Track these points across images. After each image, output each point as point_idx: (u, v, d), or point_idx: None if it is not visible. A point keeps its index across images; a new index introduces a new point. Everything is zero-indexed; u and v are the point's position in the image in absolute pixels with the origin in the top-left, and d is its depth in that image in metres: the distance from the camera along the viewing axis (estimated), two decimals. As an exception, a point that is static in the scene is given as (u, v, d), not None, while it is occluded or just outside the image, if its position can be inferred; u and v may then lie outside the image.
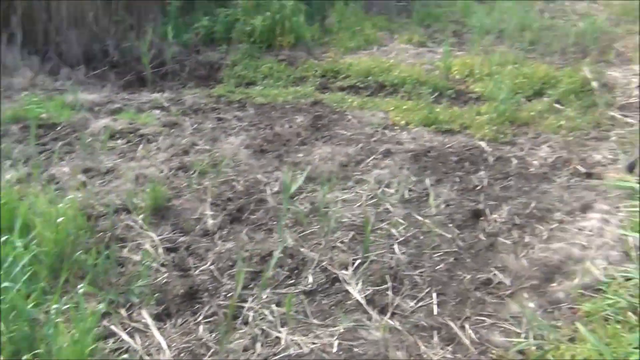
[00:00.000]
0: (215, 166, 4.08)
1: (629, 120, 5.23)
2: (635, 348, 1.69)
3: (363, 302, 2.74)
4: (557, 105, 5.48)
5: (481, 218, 3.53)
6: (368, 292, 2.81)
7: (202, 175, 3.99)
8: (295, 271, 2.99)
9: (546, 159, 4.33)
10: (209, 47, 7.04)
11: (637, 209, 3.36)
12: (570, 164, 4.22)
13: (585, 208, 3.61)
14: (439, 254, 3.14)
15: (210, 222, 3.42)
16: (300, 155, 4.35)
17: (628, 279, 2.78)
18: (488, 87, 5.83)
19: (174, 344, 2.47)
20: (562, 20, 8.61)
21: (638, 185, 3.71)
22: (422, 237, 3.28)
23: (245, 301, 2.75)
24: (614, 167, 4.15)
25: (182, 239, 3.27)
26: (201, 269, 3.00)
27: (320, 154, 4.33)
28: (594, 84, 5.89)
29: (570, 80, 5.88)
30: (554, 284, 2.87)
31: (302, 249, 3.15)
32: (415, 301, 2.76)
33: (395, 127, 4.91)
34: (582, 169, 4.13)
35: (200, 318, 2.64)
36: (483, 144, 4.56)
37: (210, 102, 5.54)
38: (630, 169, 3.93)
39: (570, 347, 2.28)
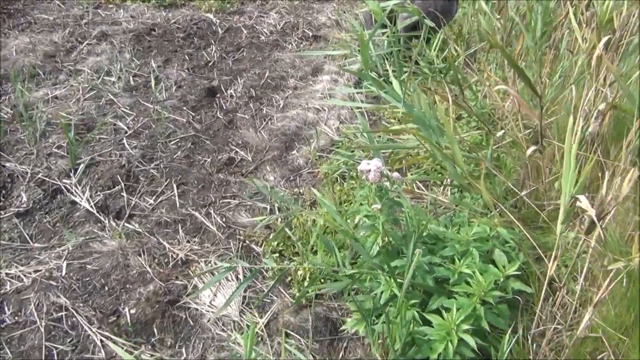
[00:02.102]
0: None
1: (347, -20, 5.37)
2: (362, 204, 1.71)
3: (94, 210, 2.38)
4: (282, -31, 5.34)
5: (217, 95, 3.31)
6: (99, 199, 2.45)
7: None
8: (2, 192, 2.45)
9: (275, 25, 4.22)
10: None
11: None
12: (298, 29, 4.18)
13: (316, 71, 3.64)
14: (175, 140, 2.87)
15: None
16: (-9, 49, 3.52)
17: (356, 136, 2.89)
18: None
19: None
20: None
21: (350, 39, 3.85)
22: (154, 126, 2.95)
23: (-64, 243, 2.18)
24: (337, 27, 4.24)
25: None
26: None
27: (17, 45, 3.54)
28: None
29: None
30: (294, 152, 2.86)
31: (7, 164, 2.59)
32: (154, 197, 2.50)
33: (110, 5, 4.26)
34: (310, 33, 4.13)
35: None
36: (210, 15, 4.24)
37: None
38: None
39: (312, 213, 2.30)
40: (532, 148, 1.93)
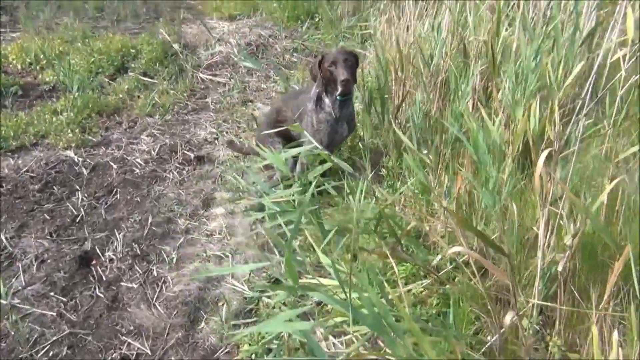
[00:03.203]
0: None
1: (219, 79, 5.02)
2: None
3: None
4: (145, 79, 4.88)
5: (92, 263, 2.70)
6: None
7: None
8: None
9: (150, 152, 3.69)
10: None
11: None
12: (177, 152, 3.68)
13: (207, 204, 3.15)
14: (45, 349, 2.21)
15: None
16: None
17: (273, 281, 2.43)
18: (61, 73, 4.78)
19: None
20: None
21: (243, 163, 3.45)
22: (13, 333, 2.27)
23: None
24: (221, 142, 3.81)
25: None
26: None
27: None
28: (176, 47, 5.49)
29: (151, 48, 5.33)
30: (202, 326, 2.32)
31: None
32: None
33: (-59, 163, 3.51)
34: (191, 154, 3.65)
35: None
36: (71, 153, 3.62)
37: None
38: (229, 144, 3.62)
39: None
40: (510, 316, 1.57)
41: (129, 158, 3.60)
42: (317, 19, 6.38)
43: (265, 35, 6.09)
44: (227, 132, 3.93)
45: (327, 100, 2.76)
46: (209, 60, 5.37)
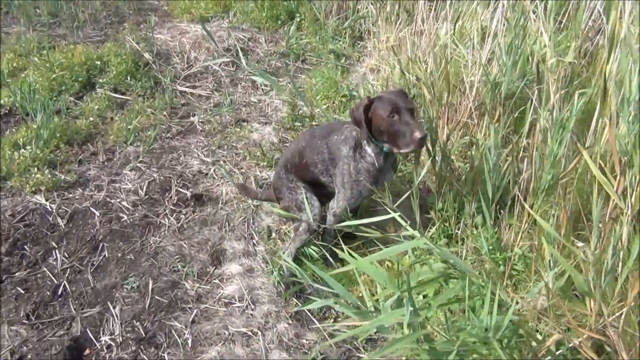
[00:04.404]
0: None
1: (200, 92, 4.44)
2: None
3: None
4: (117, 95, 4.26)
5: (85, 354, 2.14)
6: None
7: None
8: None
9: (137, 191, 3.11)
10: None
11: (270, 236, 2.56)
12: (170, 189, 3.11)
13: (217, 257, 2.62)
14: None
15: None
16: None
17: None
18: (18, 93, 4.10)
19: None
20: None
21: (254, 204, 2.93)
22: None
23: None
24: (220, 176, 3.25)
25: None
26: None
27: None
28: (148, 56, 4.87)
29: (120, 59, 4.66)
30: None
31: None
32: None
33: None
34: (187, 192, 3.09)
35: None
36: (41, 199, 3.00)
37: None
38: (242, 189, 3.06)
39: None
40: None
41: (112, 201, 3.02)
42: (299, 19, 5.84)
43: (244, 38, 5.51)
44: (224, 161, 3.38)
45: (369, 149, 2.25)
46: (187, 71, 4.77)
